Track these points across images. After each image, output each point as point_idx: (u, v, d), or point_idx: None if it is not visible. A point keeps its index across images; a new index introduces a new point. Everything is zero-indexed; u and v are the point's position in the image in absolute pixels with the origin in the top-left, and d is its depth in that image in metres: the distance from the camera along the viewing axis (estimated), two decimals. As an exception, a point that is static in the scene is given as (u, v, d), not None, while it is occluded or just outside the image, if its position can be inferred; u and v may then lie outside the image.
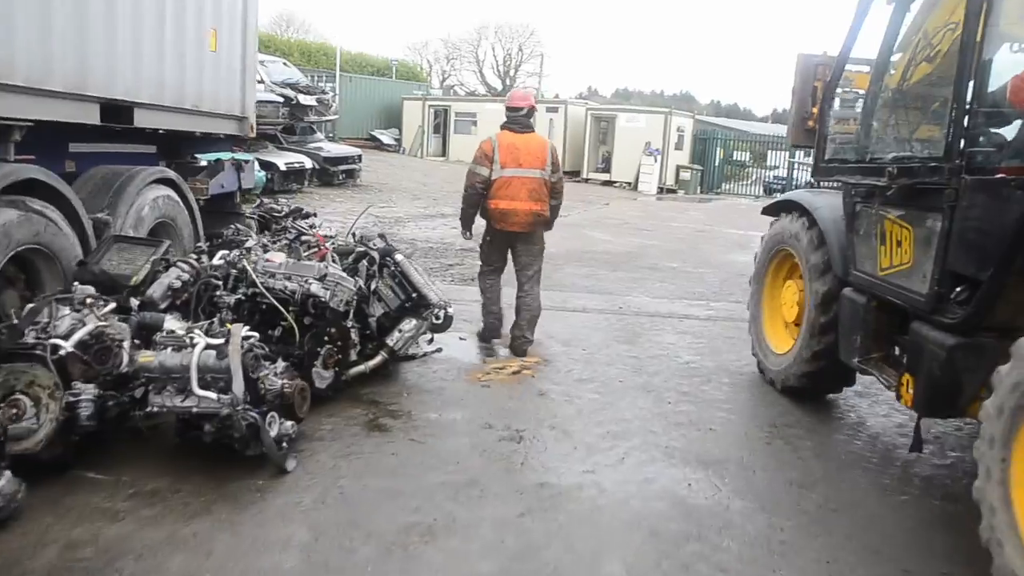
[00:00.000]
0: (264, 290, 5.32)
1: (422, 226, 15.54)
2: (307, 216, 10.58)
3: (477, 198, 6.90)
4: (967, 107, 3.92)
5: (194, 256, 5.93)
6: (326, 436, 4.92)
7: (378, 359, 5.83)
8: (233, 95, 7.86)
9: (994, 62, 3.94)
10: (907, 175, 4.33)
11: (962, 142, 3.95)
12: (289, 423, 4.48)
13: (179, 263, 5.40)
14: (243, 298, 5.37)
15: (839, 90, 5.55)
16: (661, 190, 30.28)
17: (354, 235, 7.03)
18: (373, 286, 5.92)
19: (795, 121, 6.11)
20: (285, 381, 4.57)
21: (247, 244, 6.49)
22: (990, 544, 3.41)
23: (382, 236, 7.13)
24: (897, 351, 4.74)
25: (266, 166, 18.64)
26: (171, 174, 6.84)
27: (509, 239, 7.02)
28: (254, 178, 8.56)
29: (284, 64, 23.35)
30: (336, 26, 75.29)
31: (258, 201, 10.50)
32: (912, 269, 4.38)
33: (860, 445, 5.36)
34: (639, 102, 50.76)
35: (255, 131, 8.38)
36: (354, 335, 5.66)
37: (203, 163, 8.10)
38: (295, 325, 5.26)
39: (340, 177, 22.06)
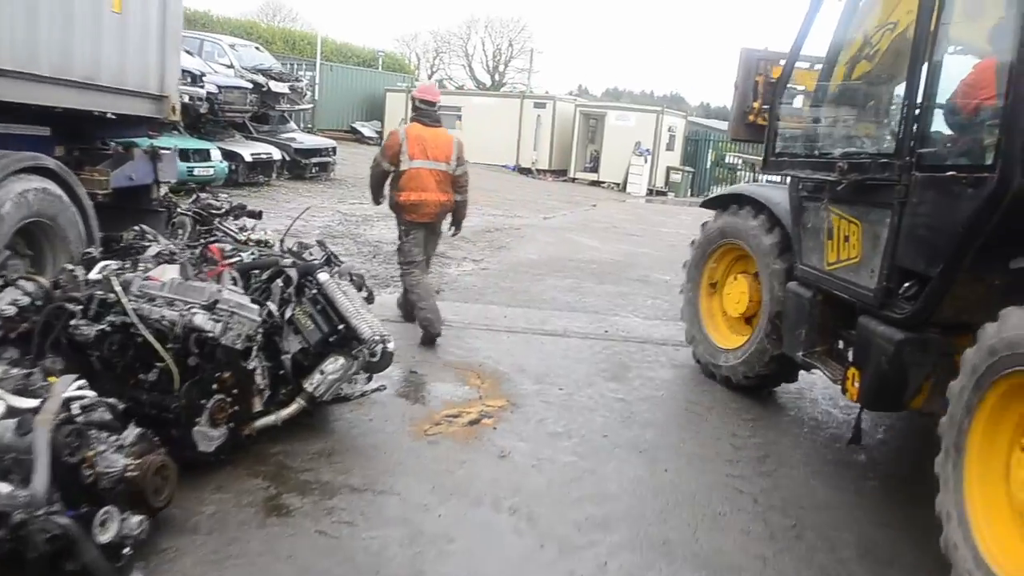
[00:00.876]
0: (136, 319, 3.96)
1: (391, 225, 14.09)
2: (251, 215, 9.21)
3: (378, 178, 7.11)
4: (918, 105, 3.96)
5: (72, 268, 4.57)
6: (203, 525, 3.56)
7: (293, 408, 4.47)
8: (147, 68, 6.49)
9: (944, 62, 4.00)
10: (857, 171, 4.34)
11: (912, 139, 4.00)
12: (136, 519, 3.12)
13: (20, 281, 4.04)
14: (109, 329, 4.02)
15: (788, 86, 5.50)
16: (651, 192, 28.92)
17: (289, 246, 5.72)
18: (289, 314, 4.57)
19: (736, 115, 6.20)
20: (131, 461, 3.21)
21: (151, 251, 5.14)
22: (941, 516, 3.47)
23: (321, 244, 5.82)
24: (841, 345, 4.75)
25: (229, 156, 17.15)
26: (48, 162, 5.44)
27: (422, 230, 7.03)
28: (175, 170, 7.18)
29: (257, 49, 21.91)
30: (323, 16, 73.50)
31: (194, 196, 9.09)
32: (860, 264, 4.42)
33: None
34: (629, 101, 49.32)
35: (178, 113, 7.01)
36: (260, 378, 4.32)
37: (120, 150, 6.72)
38: (174, 367, 3.91)
39: (313, 170, 20.56)
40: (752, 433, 5.36)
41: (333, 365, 4.52)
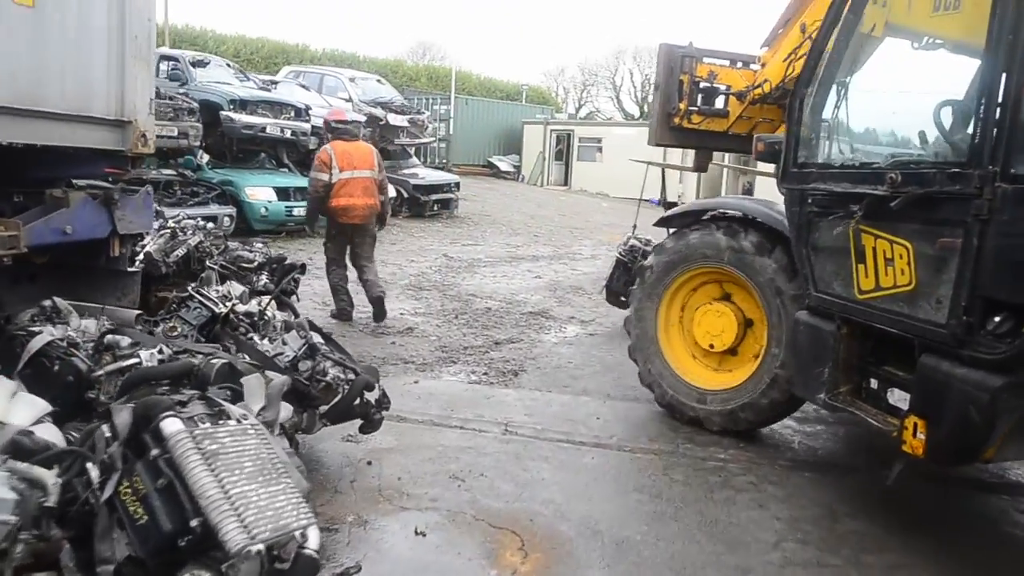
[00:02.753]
0: None
1: (498, 273, 12.08)
2: (290, 269, 7.38)
3: (320, 200, 7.97)
4: (1003, 101, 3.21)
5: None
6: None
7: None
8: (90, 84, 4.71)
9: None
10: (915, 183, 3.57)
11: (995, 144, 3.26)
12: None
13: None
14: None
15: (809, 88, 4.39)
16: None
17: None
18: (109, 492, 2.49)
19: (660, 118, 5.81)
20: None
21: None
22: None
23: (308, 325, 3.88)
24: (875, 384, 4.19)
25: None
26: None
27: (348, 232, 8.10)
28: (148, 218, 5.40)
29: (378, 82, 20.69)
30: (472, 54, 73.51)
31: (223, 245, 7.35)
32: (916, 293, 3.70)
33: None
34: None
35: (151, 144, 5.23)
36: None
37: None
38: None
39: (433, 207, 18.95)
40: None
41: (177, 593, 2.40)
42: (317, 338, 4.39)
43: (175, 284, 7.33)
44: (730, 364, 5.46)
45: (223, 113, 13.27)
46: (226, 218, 12.17)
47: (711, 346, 5.41)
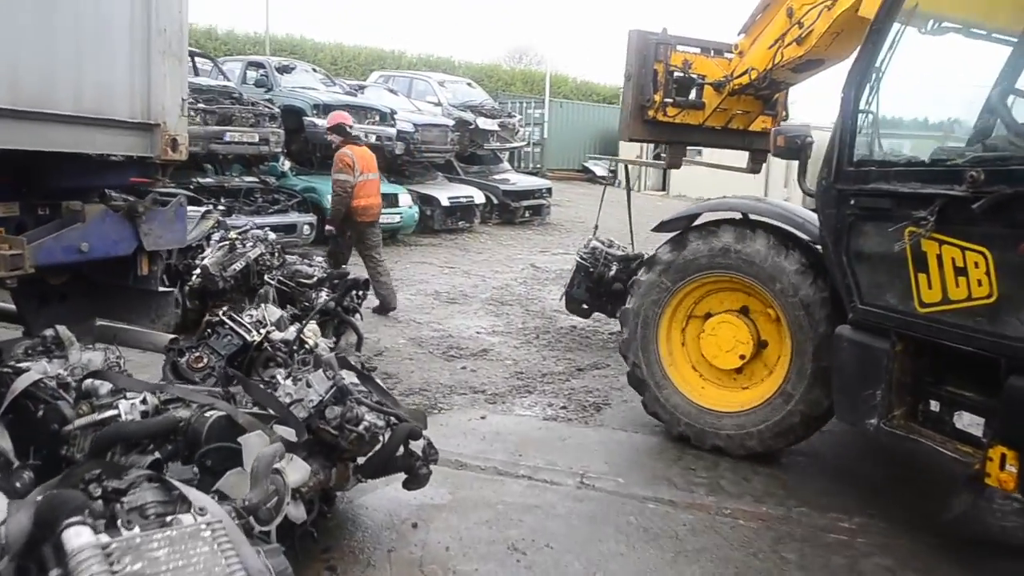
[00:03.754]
0: None
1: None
2: (353, 286, 6.74)
3: (347, 200, 8.22)
4: None
5: None
6: None
7: None
8: (112, 83, 4.14)
9: None
10: (1004, 181, 3.12)
11: None
12: None
13: None
14: None
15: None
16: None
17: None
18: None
19: (632, 111, 5.45)
20: None
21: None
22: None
23: (331, 369, 3.20)
24: (936, 407, 3.79)
25: (425, 200, 15.26)
26: None
27: (362, 230, 8.44)
28: (180, 233, 4.78)
29: (469, 85, 20.11)
30: (570, 58, 72.60)
31: (280, 260, 6.78)
32: (999, 306, 3.24)
33: None
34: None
35: (183, 150, 4.63)
36: None
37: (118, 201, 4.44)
38: None
39: (524, 214, 18.19)
40: None
41: None
42: (350, 378, 3.66)
43: (232, 300, 6.84)
44: (735, 382, 4.99)
45: (306, 118, 12.91)
46: (306, 226, 11.75)
47: (719, 363, 4.93)
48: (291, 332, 4.47)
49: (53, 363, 3.56)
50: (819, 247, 4.44)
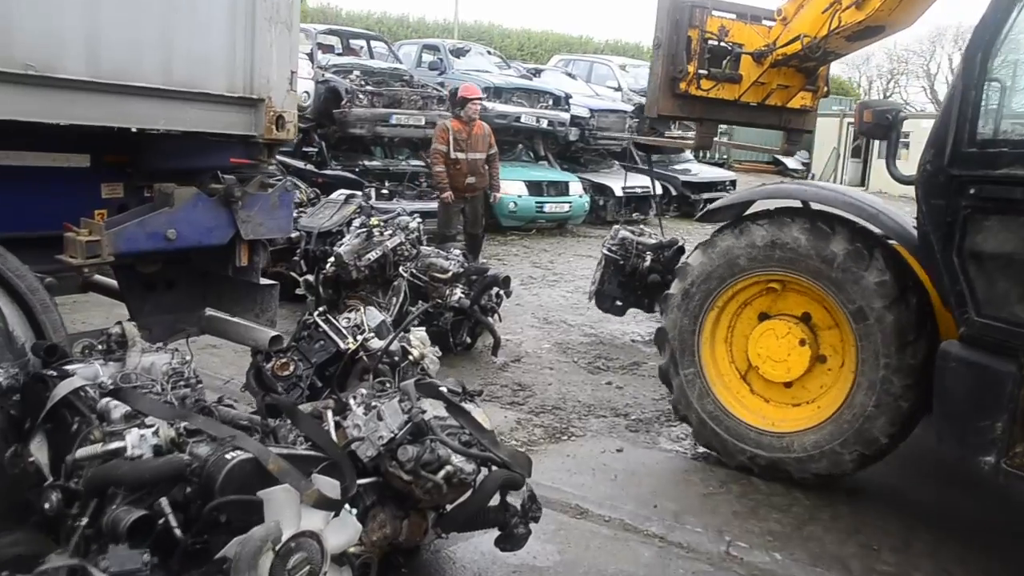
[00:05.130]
0: None
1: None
2: (492, 283, 6.09)
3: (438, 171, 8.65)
4: None
5: None
6: None
7: None
8: (208, 52, 3.65)
9: None
10: None
11: None
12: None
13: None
14: None
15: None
16: None
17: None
18: None
19: (663, 83, 4.87)
20: None
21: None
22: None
23: (408, 398, 2.60)
24: None
25: (599, 190, 14.47)
26: None
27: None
28: (285, 221, 4.21)
29: (652, 69, 18.97)
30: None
31: (415, 250, 6.21)
32: None
33: None
34: None
35: (290, 128, 4.09)
36: None
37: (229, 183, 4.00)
38: None
39: (704, 207, 16.96)
40: None
41: None
42: (434, 410, 2.96)
43: (366, 291, 6.38)
44: (786, 396, 4.34)
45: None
46: (462, 213, 11.30)
47: (772, 375, 4.29)
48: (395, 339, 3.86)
49: (108, 366, 3.12)
50: (891, 241, 3.95)
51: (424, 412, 2.88)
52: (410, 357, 3.84)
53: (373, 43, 12.91)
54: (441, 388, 3.09)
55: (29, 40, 3.12)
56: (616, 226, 7.13)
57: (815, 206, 4.22)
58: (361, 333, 3.82)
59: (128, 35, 3.39)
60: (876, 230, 4.02)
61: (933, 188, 3.47)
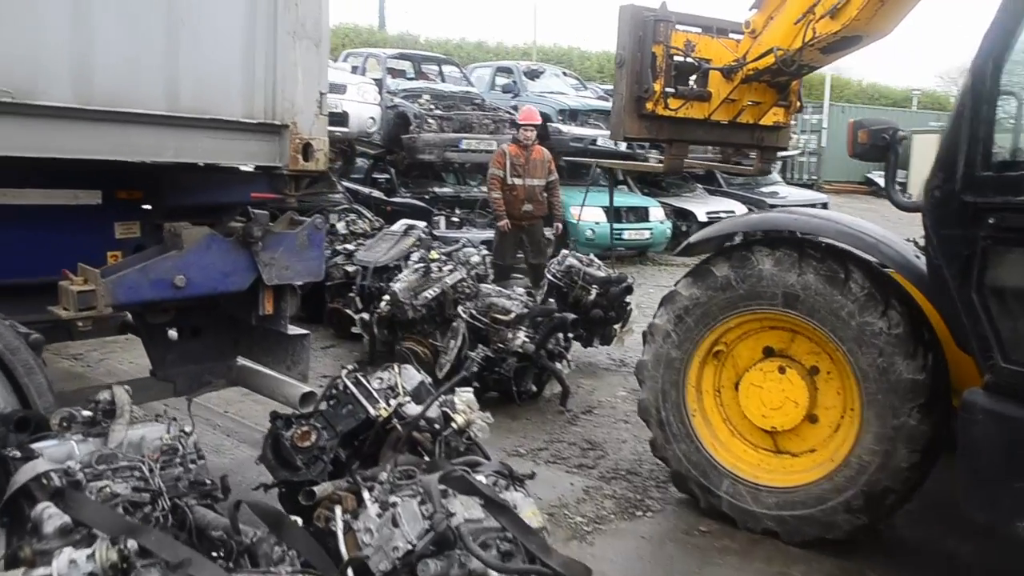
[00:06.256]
0: None
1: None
2: (558, 326, 5.46)
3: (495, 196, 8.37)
4: None
5: None
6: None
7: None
8: (222, 73, 3.14)
9: None
10: None
11: None
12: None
13: None
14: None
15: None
16: None
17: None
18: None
19: (627, 104, 4.46)
20: None
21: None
22: None
23: (429, 497, 1.96)
24: None
25: (680, 215, 13.70)
26: None
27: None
28: (315, 263, 3.65)
29: (737, 88, 18.09)
30: (853, 58, 66.04)
31: (475, 288, 5.62)
32: None
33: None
34: None
35: (320, 158, 3.55)
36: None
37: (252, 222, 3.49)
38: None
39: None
40: None
41: None
42: (467, 509, 2.33)
43: (423, 332, 5.83)
44: (795, 443, 3.96)
45: (551, 124, 11.86)
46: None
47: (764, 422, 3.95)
48: (436, 405, 3.26)
49: (88, 442, 2.61)
50: (890, 270, 3.69)
51: (451, 516, 2.26)
52: (453, 425, 3.22)
53: (445, 67, 12.51)
54: (477, 480, 2.46)
55: (4, 62, 2.67)
56: (564, 251, 6.80)
57: (804, 235, 3.90)
58: (395, 397, 3.22)
59: (125, 54, 2.92)
60: (870, 257, 3.70)
61: (944, 217, 3.18)
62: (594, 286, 6.24)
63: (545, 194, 8.42)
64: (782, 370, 3.90)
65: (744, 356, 4.07)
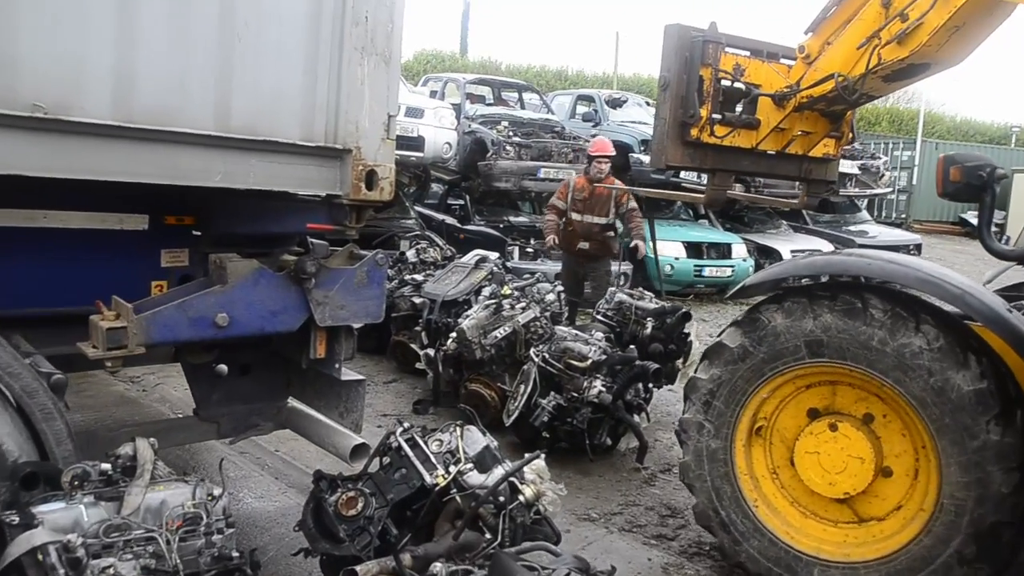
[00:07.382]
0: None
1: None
2: (639, 376, 4.97)
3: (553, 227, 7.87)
4: None
5: None
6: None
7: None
8: (278, 91, 2.83)
9: None
10: None
11: None
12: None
13: None
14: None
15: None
16: None
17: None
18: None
19: (670, 130, 4.15)
20: None
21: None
22: None
23: None
24: None
25: (764, 252, 13.02)
26: None
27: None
28: (375, 303, 3.29)
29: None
30: (948, 94, 63.37)
31: (549, 331, 5.18)
32: None
33: None
34: None
35: (386, 187, 3.18)
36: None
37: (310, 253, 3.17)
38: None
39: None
40: None
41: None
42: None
43: (492, 373, 5.43)
44: (838, 513, 3.57)
45: (632, 155, 11.41)
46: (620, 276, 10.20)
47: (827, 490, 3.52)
48: (498, 471, 2.83)
49: (99, 507, 2.27)
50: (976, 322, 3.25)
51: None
52: (521, 497, 2.79)
53: (525, 93, 12.21)
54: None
55: (38, 74, 2.38)
56: (612, 288, 6.25)
57: (869, 280, 3.54)
58: (456, 463, 2.81)
59: (172, 68, 2.61)
60: (950, 308, 3.29)
61: None
62: (649, 319, 5.72)
63: (609, 233, 7.83)
64: (834, 427, 3.51)
65: (789, 426, 3.68)
